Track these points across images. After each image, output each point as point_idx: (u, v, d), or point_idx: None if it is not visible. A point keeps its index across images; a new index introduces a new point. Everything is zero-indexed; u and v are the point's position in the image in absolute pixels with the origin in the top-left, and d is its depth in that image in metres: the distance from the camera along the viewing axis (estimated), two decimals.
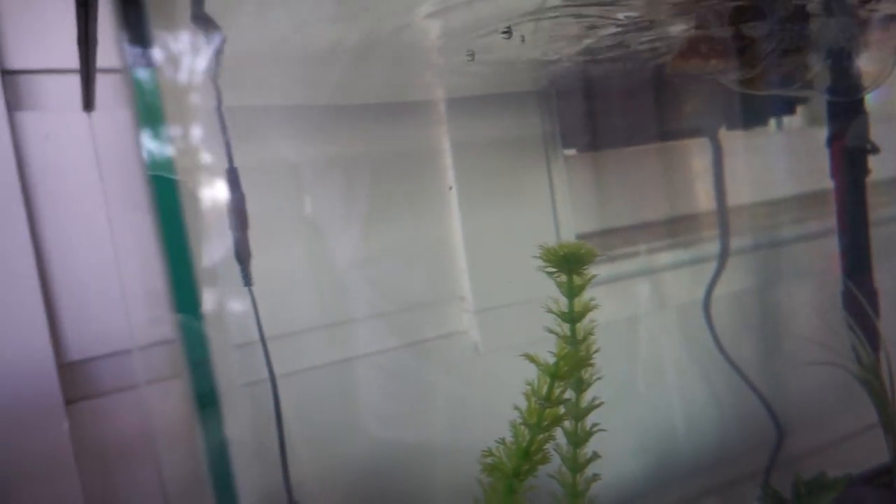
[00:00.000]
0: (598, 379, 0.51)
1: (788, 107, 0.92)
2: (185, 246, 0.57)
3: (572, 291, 0.49)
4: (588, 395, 0.54)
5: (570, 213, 0.94)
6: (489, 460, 0.48)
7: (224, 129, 0.67)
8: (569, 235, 0.95)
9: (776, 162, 1.10)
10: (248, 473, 0.74)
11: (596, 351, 0.50)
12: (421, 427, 0.84)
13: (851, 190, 0.89)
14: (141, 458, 0.74)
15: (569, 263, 0.48)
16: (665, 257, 1.01)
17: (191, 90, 0.64)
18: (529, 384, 0.47)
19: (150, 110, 0.42)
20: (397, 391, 0.84)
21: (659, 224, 1.03)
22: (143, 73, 0.41)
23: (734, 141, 0.99)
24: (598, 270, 0.93)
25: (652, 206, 1.02)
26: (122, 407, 0.74)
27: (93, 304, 0.72)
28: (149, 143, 0.44)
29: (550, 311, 0.50)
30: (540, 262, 0.48)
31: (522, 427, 0.47)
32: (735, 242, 1.00)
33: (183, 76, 0.61)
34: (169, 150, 0.51)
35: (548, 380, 0.46)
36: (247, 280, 0.70)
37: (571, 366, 0.46)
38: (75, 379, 0.71)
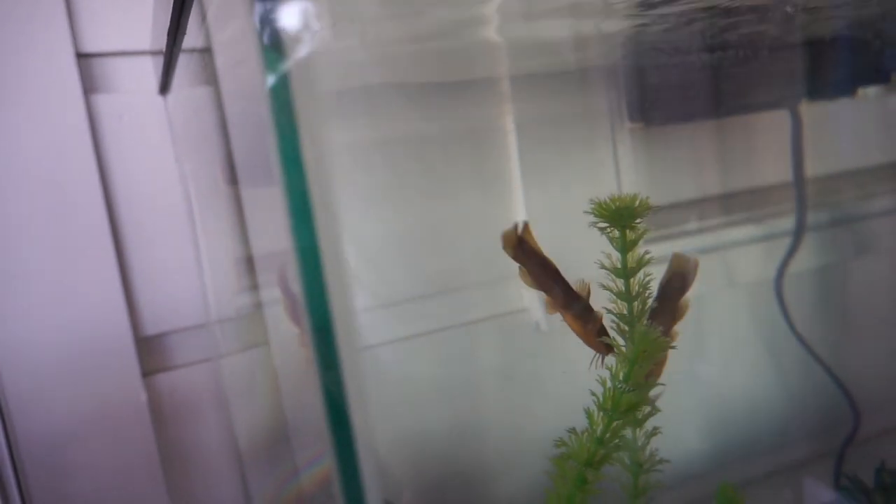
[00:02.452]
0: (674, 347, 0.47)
1: (882, 74, 0.83)
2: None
3: (625, 245, 0.45)
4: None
5: (634, 188, 0.89)
6: (562, 449, 0.44)
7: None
8: None
9: (860, 132, 1.02)
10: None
11: (651, 307, 0.46)
12: (482, 407, 0.81)
13: None
14: (214, 427, 0.75)
15: (621, 217, 0.44)
16: (735, 233, 0.95)
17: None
18: (609, 367, 0.43)
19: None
20: (460, 369, 0.81)
21: (728, 198, 0.97)
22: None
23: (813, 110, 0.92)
24: (662, 248, 0.89)
25: (721, 179, 0.96)
26: (196, 379, 0.74)
27: (167, 281, 0.71)
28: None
29: (603, 267, 0.46)
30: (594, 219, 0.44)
31: (596, 412, 0.44)
32: (810, 217, 0.94)
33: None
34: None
35: (627, 363, 0.42)
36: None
37: (657, 347, 0.42)
38: (151, 352, 0.72)
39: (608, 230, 0.46)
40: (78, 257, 0.66)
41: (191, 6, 0.44)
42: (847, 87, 0.83)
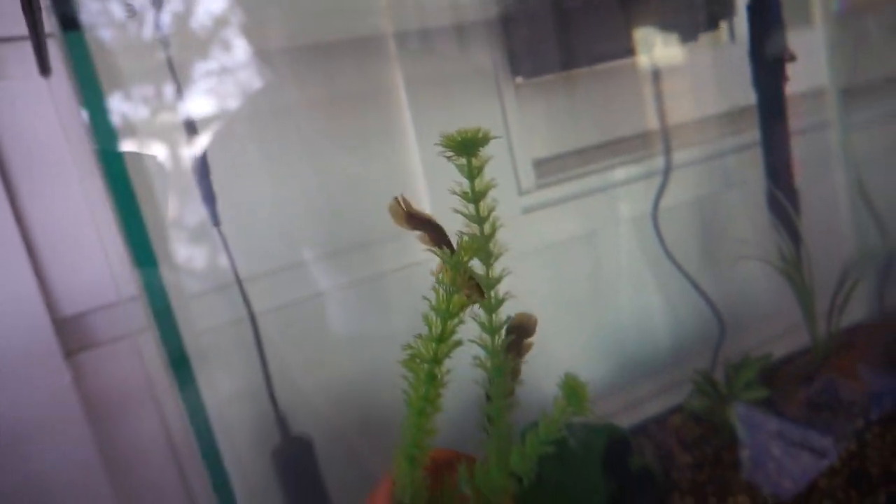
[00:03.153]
0: (506, 252, 0.53)
1: (712, 23, 0.92)
2: (134, 204, 0.57)
3: (472, 173, 0.51)
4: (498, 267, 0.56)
5: (523, 139, 0.96)
6: (408, 353, 0.51)
7: (178, 83, 0.69)
8: (524, 161, 0.96)
9: (713, 78, 1.11)
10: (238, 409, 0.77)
11: (499, 227, 0.53)
12: (386, 350, 0.87)
13: (772, 97, 0.90)
14: (144, 401, 0.77)
15: (466, 147, 0.50)
16: (618, 174, 1.03)
17: (133, 49, 0.66)
18: (433, 274, 0.50)
19: (86, 76, 0.43)
20: (363, 320, 0.86)
21: (610, 144, 1.04)
22: (75, 37, 0.42)
23: (674, 60, 1.00)
24: (558, 191, 0.96)
25: (601, 127, 1.03)
26: (119, 355, 0.77)
27: (78, 262, 0.72)
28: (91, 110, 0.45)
29: (453, 193, 0.52)
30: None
31: (434, 315, 0.50)
32: (678, 157, 1.02)
33: (122, 36, 0.62)
34: (113, 117, 0.51)
35: (449, 268, 0.49)
36: (215, 220, 0.73)
37: (470, 253, 0.49)
38: (71, 332, 0.73)
39: (453, 159, 0.52)
40: None
41: None
42: (690, 33, 0.91)
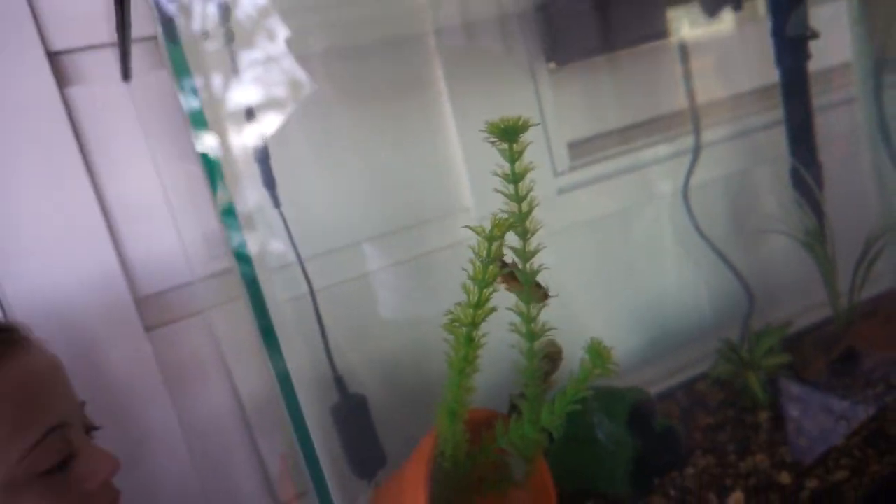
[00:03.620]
0: (541, 227, 0.59)
1: (736, 2, 0.95)
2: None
3: (513, 156, 0.57)
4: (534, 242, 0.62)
5: (557, 122, 1.00)
6: (449, 317, 0.57)
7: (237, 73, 0.76)
8: (559, 143, 1.01)
9: (743, 56, 1.12)
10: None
11: (536, 205, 0.59)
12: (432, 320, 0.93)
13: (794, 74, 0.93)
14: (216, 372, 0.85)
15: (508, 133, 0.56)
16: (649, 154, 1.06)
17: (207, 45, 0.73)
18: (471, 248, 0.56)
19: (180, 69, 0.49)
20: (411, 294, 0.93)
21: (642, 125, 1.07)
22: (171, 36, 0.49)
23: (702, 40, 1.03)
24: (591, 171, 1.00)
25: (633, 108, 1.06)
26: (193, 330, 0.84)
27: (155, 246, 0.80)
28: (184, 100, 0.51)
29: (496, 175, 0.58)
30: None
31: (472, 284, 0.57)
32: (708, 136, 1.05)
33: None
34: (197, 103, 0.56)
35: (485, 243, 0.55)
36: (276, 202, 0.80)
37: (504, 228, 0.55)
38: (150, 309, 0.80)
39: (497, 144, 0.58)
40: (75, 236, 0.75)
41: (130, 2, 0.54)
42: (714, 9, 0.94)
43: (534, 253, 0.62)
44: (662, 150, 1.07)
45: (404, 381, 0.89)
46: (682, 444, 0.80)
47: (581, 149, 1.05)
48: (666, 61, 1.06)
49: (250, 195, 0.81)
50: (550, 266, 0.82)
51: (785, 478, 0.73)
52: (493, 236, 0.55)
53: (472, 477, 0.71)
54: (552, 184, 1.01)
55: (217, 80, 0.76)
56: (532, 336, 0.64)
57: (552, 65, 0.97)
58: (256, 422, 0.87)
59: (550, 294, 0.62)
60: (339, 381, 0.82)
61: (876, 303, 0.97)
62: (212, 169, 0.52)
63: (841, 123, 1.11)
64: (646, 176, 1.07)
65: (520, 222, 0.58)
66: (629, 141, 1.07)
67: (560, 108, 1.00)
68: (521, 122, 0.56)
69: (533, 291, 0.60)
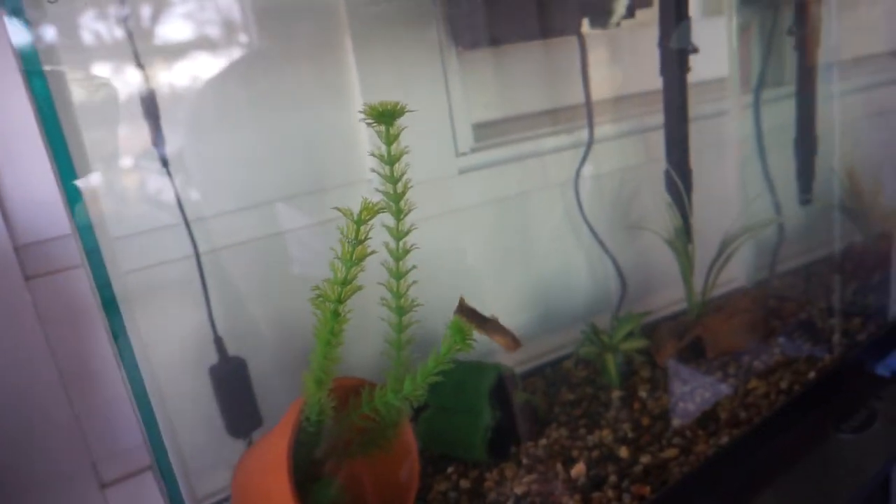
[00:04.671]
0: (414, 209, 0.62)
1: (629, 11, 0.99)
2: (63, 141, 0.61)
3: (389, 139, 0.59)
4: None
5: (463, 105, 1.03)
6: (316, 293, 0.60)
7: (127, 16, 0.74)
8: (463, 124, 1.03)
9: (637, 59, 1.18)
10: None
11: (410, 187, 0.62)
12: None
13: (675, 84, 0.99)
14: (97, 325, 0.85)
15: (385, 117, 0.58)
16: (549, 142, 1.11)
17: None
18: (339, 229, 0.59)
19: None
20: (310, 262, 0.94)
21: (544, 113, 1.12)
22: None
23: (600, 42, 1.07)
24: (493, 154, 1.04)
25: (537, 97, 1.09)
26: (74, 281, 0.84)
27: (39, 195, 0.78)
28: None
29: (372, 155, 0.60)
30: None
31: (339, 263, 0.59)
32: (603, 130, 1.10)
33: None
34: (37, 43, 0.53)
35: (354, 225, 0.58)
36: (164, 161, 0.79)
37: (372, 212, 0.58)
38: (31, 259, 0.77)
39: (374, 126, 0.60)
40: None
41: None
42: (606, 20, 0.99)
43: (406, 233, 0.65)
44: (561, 140, 1.12)
45: (288, 345, 0.91)
46: (538, 416, 0.86)
47: (487, 131, 1.08)
48: (573, 55, 1.10)
49: (138, 151, 0.80)
50: (447, 242, 0.85)
51: (623, 452, 0.80)
52: (361, 219, 0.57)
53: (340, 441, 0.75)
54: (454, 164, 1.03)
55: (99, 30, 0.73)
56: (401, 310, 0.68)
57: (459, 48, 0.99)
58: None
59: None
60: (218, 343, 0.84)
61: (726, 300, 1.07)
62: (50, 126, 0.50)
63: (713, 134, 1.19)
64: (544, 163, 1.11)
65: (394, 202, 0.61)
66: (533, 128, 1.11)
67: (467, 89, 1.02)
68: (398, 107, 0.58)
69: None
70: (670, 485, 0.73)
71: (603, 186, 1.16)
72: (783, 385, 0.89)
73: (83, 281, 0.82)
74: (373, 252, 0.60)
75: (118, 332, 0.60)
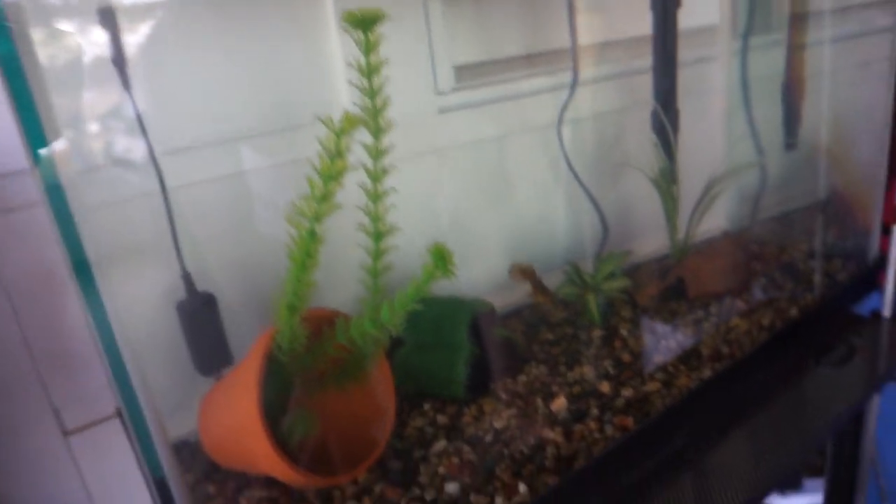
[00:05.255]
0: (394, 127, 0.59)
1: None
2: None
3: (368, 47, 0.56)
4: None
5: (444, 44, 0.99)
6: (293, 210, 0.56)
7: None
8: (444, 65, 0.99)
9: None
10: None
11: (387, 105, 0.58)
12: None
13: (665, 22, 0.96)
14: (58, 266, 0.80)
15: (364, 23, 0.54)
16: (533, 84, 1.08)
17: None
18: (321, 142, 0.55)
19: None
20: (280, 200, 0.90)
21: (531, 57, 1.08)
22: None
23: None
24: (474, 94, 1.00)
25: (525, 40, 1.06)
26: (31, 218, 0.79)
27: None
28: None
29: (350, 65, 0.57)
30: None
31: (317, 178, 0.56)
32: (589, 73, 1.07)
33: None
34: None
35: (334, 137, 0.54)
36: (125, 83, 0.74)
37: (353, 123, 0.54)
38: None
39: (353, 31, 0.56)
40: None
41: None
42: None
43: (384, 152, 0.61)
44: (545, 81, 1.09)
45: (260, 282, 0.88)
46: (517, 353, 0.84)
47: (468, 73, 1.04)
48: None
49: (99, 78, 0.74)
50: (426, 185, 0.81)
51: (605, 387, 0.79)
52: (342, 130, 0.54)
53: (313, 373, 0.72)
54: (433, 102, 0.99)
55: None
56: (378, 236, 0.65)
57: None
58: None
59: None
60: (186, 279, 0.80)
61: (710, 242, 1.06)
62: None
63: (701, 81, 1.17)
64: (527, 105, 1.08)
65: (371, 118, 0.57)
66: (516, 70, 1.07)
67: (449, 29, 0.98)
68: (377, 14, 0.55)
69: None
70: (653, 416, 0.72)
71: (587, 130, 1.14)
72: (765, 322, 0.89)
73: (42, 217, 0.78)
74: (351, 168, 0.57)
75: (80, 269, 0.56)
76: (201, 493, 0.71)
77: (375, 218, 0.64)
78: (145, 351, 0.81)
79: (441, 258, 0.60)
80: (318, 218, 0.57)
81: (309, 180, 0.56)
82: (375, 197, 0.63)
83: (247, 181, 0.88)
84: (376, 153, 0.61)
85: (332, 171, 0.55)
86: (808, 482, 1.54)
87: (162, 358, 0.83)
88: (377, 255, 0.66)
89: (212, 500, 0.69)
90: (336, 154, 0.54)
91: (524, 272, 0.88)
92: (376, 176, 0.62)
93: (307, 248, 0.59)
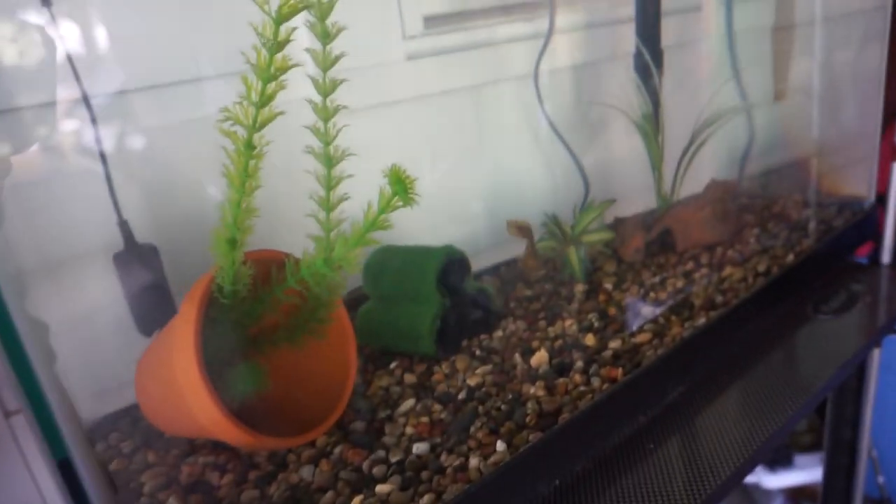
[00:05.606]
0: (344, 56, 0.52)
1: None
2: None
3: None
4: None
5: None
6: (224, 116, 0.48)
7: None
8: (414, 14, 0.93)
9: None
10: None
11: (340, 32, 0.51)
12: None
13: None
14: None
15: None
16: (507, 30, 1.01)
17: None
18: (260, 34, 0.47)
19: None
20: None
21: (503, 7, 1.01)
22: None
23: None
24: (447, 40, 0.93)
25: None
26: None
27: None
28: None
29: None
30: None
31: (254, 78, 0.48)
32: (565, 21, 1.00)
33: None
34: None
35: (272, 24, 0.46)
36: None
37: (294, 9, 0.46)
38: None
39: None
40: None
41: None
42: None
43: (335, 61, 0.54)
44: (520, 28, 1.02)
45: (207, 231, 0.80)
46: (493, 305, 0.77)
47: (439, 23, 0.97)
48: None
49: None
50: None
51: (590, 339, 0.71)
52: (281, 16, 0.46)
53: (262, 323, 0.64)
54: (401, 48, 0.92)
55: None
56: (329, 161, 0.57)
57: None
58: None
59: None
60: (123, 227, 0.71)
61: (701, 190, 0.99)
62: None
63: (688, 28, 1.11)
64: (500, 53, 1.01)
65: (317, 9, 0.49)
66: (489, 18, 1.00)
67: None
68: None
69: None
70: (644, 366, 0.65)
71: (565, 79, 1.07)
72: (760, 269, 0.82)
73: None
74: (295, 65, 0.49)
75: None
76: (139, 463, 0.62)
77: (326, 141, 0.56)
78: (76, 315, 0.73)
79: (399, 182, 0.53)
80: (256, 126, 0.49)
81: (243, 78, 0.48)
82: (326, 115, 0.55)
83: (194, 128, 0.80)
84: (325, 89, 0.53)
85: (271, 68, 0.47)
86: (799, 458, 1.49)
87: (100, 321, 0.75)
88: (329, 183, 0.58)
89: (150, 469, 0.61)
90: (276, 45, 0.46)
91: (521, 229, 0.81)
92: (326, 91, 0.54)
93: (245, 165, 0.51)
